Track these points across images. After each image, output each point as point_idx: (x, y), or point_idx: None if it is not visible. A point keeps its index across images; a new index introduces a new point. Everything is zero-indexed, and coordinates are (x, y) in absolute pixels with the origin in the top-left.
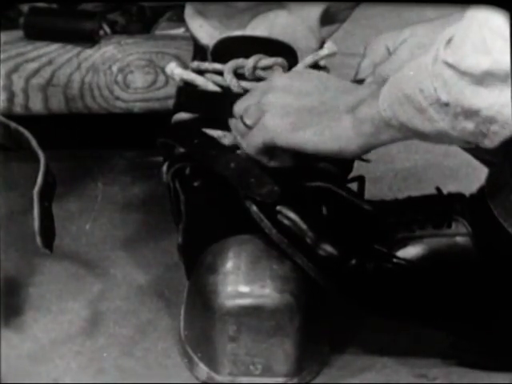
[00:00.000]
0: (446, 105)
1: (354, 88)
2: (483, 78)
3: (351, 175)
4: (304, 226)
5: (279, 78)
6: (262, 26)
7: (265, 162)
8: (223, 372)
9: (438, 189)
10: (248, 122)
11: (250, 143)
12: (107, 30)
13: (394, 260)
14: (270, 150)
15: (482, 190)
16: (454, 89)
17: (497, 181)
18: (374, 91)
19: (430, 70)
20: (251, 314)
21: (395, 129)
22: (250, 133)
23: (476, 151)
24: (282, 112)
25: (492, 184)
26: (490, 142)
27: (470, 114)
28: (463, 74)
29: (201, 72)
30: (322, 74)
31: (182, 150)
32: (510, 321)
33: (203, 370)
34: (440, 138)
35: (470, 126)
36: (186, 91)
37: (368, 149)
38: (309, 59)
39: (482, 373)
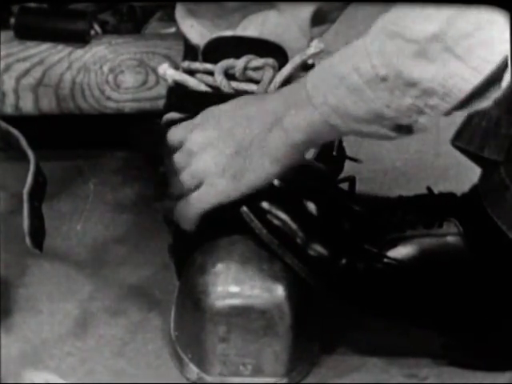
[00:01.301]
0: (384, 79)
1: (269, 105)
2: (428, 47)
3: (342, 175)
4: (294, 226)
5: (197, 134)
6: (253, 26)
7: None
8: (213, 372)
9: (428, 188)
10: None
11: (191, 211)
12: (98, 29)
13: (385, 260)
14: None
15: (473, 189)
16: (394, 60)
17: (491, 179)
18: (288, 98)
19: (369, 49)
20: (241, 314)
21: (328, 125)
22: (188, 202)
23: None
24: (217, 176)
25: (486, 183)
26: (425, 120)
27: (410, 86)
28: (408, 41)
29: (192, 72)
30: (233, 105)
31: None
32: (501, 321)
33: (193, 371)
34: (371, 121)
35: (406, 101)
36: (177, 91)
37: (308, 150)
38: (296, 59)
39: (472, 373)
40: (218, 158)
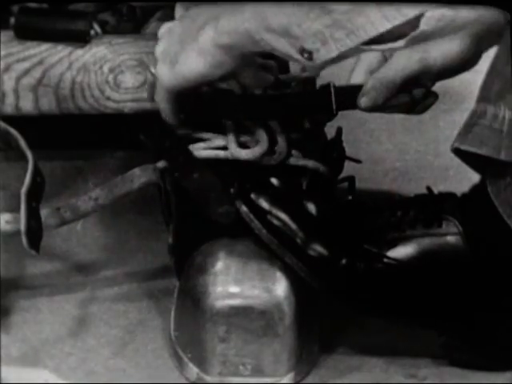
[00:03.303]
0: None
1: (216, 8)
2: None
3: (341, 175)
4: (294, 227)
5: (165, 25)
6: None
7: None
8: (213, 372)
9: (428, 188)
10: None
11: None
12: (98, 29)
13: (385, 260)
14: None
15: (472, 189)
16: None
17: (501, 178)
18: None
19: None
20: (241, 314)
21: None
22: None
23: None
24: (162, 57)
25: (495, 182)
26: (325, 52)
27: (325, 12)
28: None
29: None
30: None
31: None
32: (501, 320)
33: (193, 371)
34: (280, 35)
35: (316, 26)
36: None
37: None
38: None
39: (472, 372)
40: (165, 45)
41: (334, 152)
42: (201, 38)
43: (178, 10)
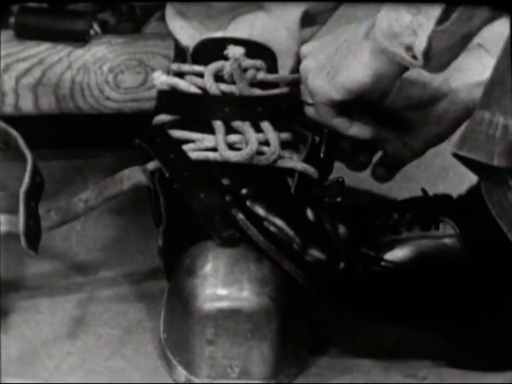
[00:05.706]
0: None
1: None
2: None
3: (331, 176)
4: (291, 232)
5: (312, 43)
6: (242, 27)
7: (345, 127)
8: (201, 375)
9: (423, 190)
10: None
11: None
12: (98, 29)
13: (382, 263)
14: (345, 114)
15: (470, 190)
16: None
17: (494, 181)
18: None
19: None
20: (229, 316)
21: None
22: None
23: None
24: (317, 70)
25: (489, 184)
26: (419, 43)
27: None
28: None
29: (181, 74)
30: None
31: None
32: (499, 321)
33: (181, 373)
34: (390, 37)
35: (407, 17)
36: (167, 93)
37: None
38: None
39: (471, 373)
40: (318, 59)
41: (322, 153)
42: (362, 49)
43: (169, 10)
